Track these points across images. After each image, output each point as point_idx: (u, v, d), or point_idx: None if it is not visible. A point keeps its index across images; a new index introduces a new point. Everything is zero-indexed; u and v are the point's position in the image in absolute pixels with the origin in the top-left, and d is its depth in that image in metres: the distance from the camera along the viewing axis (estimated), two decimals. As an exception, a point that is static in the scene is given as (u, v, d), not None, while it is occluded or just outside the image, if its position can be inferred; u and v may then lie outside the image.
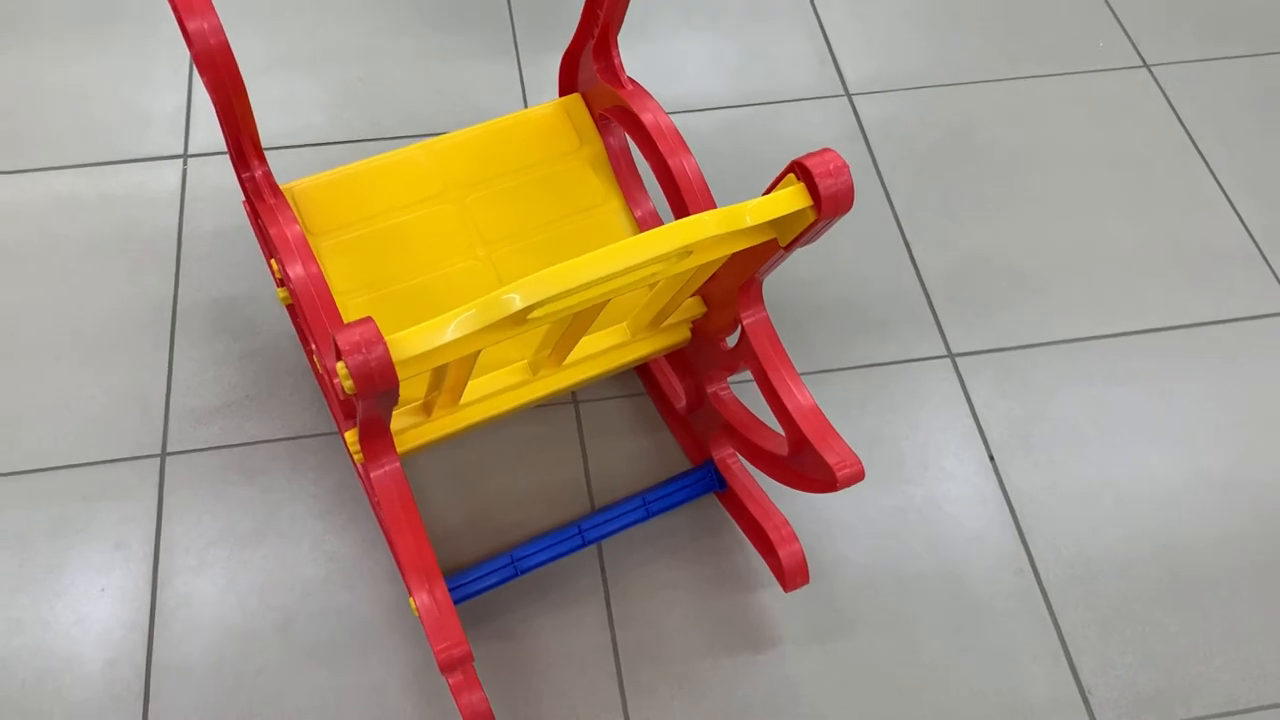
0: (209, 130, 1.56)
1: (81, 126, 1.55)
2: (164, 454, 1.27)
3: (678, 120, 1.16)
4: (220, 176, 1.51)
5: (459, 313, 0.71)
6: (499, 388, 1.03)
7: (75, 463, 1.26)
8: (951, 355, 1.40)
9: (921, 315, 1.43)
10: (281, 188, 1.11)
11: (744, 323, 1.00)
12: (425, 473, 1.27)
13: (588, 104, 1.21)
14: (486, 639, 1.17)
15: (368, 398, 0.71)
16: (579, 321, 0.88)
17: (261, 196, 1.01)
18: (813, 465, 0.97)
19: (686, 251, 0.77)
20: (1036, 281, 1.47)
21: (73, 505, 1.23)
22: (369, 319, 0.69)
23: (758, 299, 1.00)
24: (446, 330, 0.71)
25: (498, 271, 1.14)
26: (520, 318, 0.75)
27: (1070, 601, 1.21)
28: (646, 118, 1.08)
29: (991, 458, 1.31)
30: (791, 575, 1.13)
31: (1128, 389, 1.38)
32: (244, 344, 1.36)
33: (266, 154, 1.08)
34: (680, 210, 1.06)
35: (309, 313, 0.96)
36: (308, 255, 0.99)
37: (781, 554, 1.13)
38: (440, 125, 1.56)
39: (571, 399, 1.34)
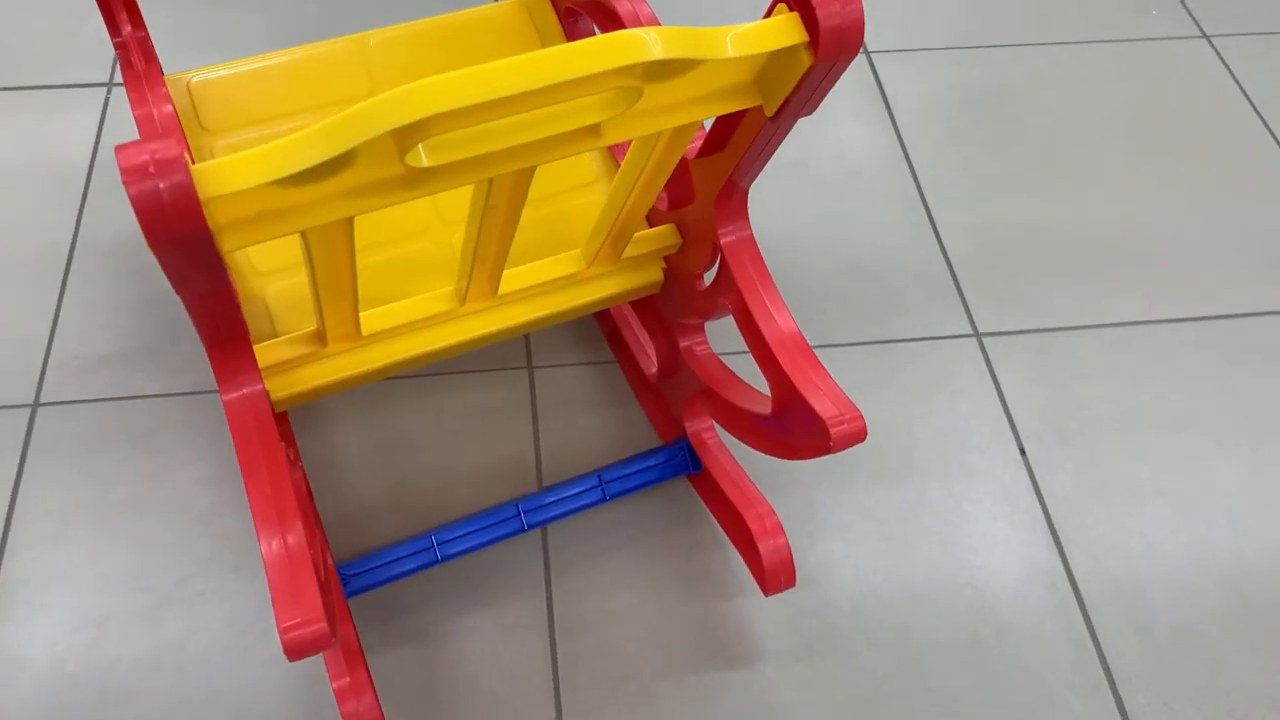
0: (143, 61, 1.37)
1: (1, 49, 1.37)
2: (36, 404, 1.07)
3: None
4: (149, 109, 1.32)
5: (302, 135, 0.51)
6: (415, 317, 0.82)
7: (-74, 409, 1.06)
8: (978, 334, 1.18)
9: (944, 289, 1.22)
10: (172, 77, 0.92)
11: (722, 241, 0.79)
12: (343, 440, 1.07)
13: (554, 3, 1.01)
14: (396, 639, 0.95)
15: (162, 247, 0.50)
16: (499, 205, 0.68)
17: (130, 64, 0.81)
18: (801, 422, 0.76)
19: (637, 87, 0.57)
20: (1079, 259, 1.26)
21: (-83, 458, 1.03)
22: (171, 137, 0.49)
23: (740, 212, 0.79)
24: (284, 158, 0.51)
25: (434, 199, 0.94)
26: (399, 160, 0.54)
27: (1116, 624, 0.99)
28: (622, 6, 0.88)
29: (1023, 451, 1.09)
30: (773, 575, 0.91)
31: (1187, 381, 1.16)
32: (148, 287, 1.16)
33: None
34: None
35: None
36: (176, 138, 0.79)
37: (762, 548, 0.91)
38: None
39: (526, 363, 1.13)
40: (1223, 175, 1.36)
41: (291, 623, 0.63)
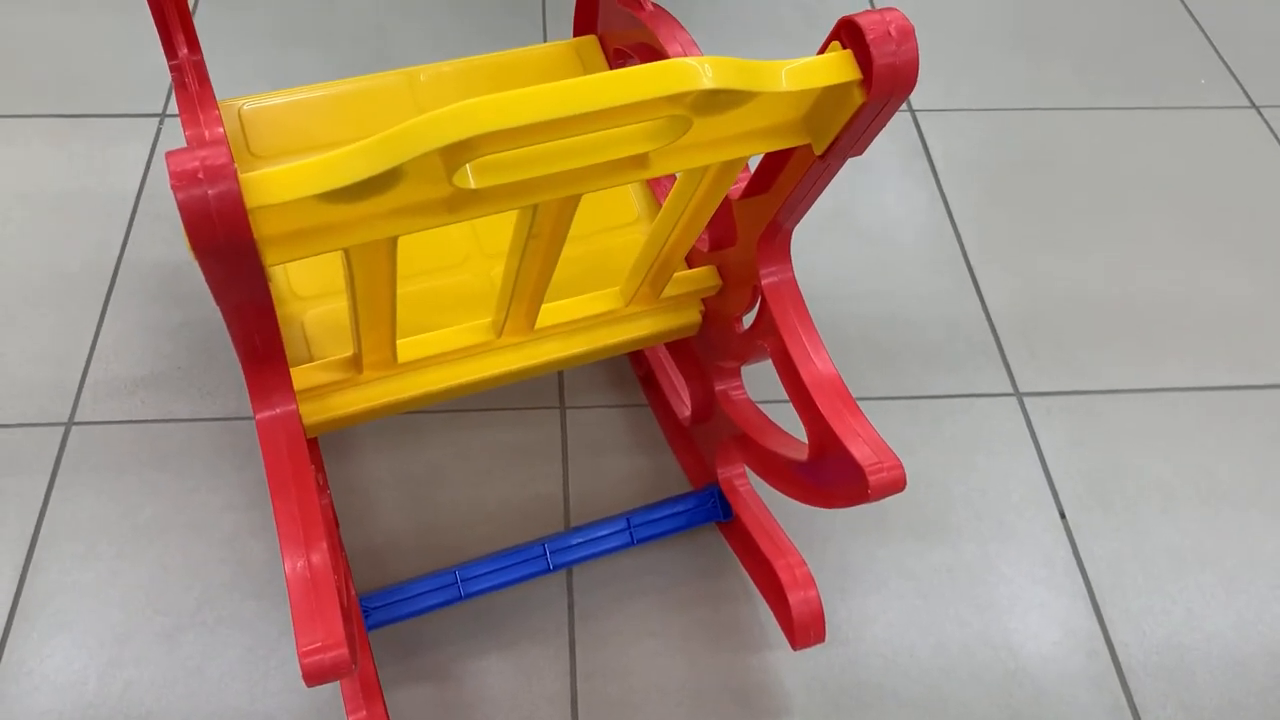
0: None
1: (59, 78, 1.40)
2: (70, 423, 1.07)
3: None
4: (199, 139, 1.34)
5: (351, 150, 0.51)
6: (451, 347, 0.82)
7: (-38, 422, 1.06)
8: (1018, 393, 1.16)
9: (985, 346, 1.20)
10: (225, 103, 0.93)
11: (764, 282, 0.78)
12: (372, 471, 1.06)
13: (603, 46, 1.02)
14: (415, 675, 0.93)
15: (206, 254, 0.50)
16: (542, 234, 0.67)
17: (184, 86, 0.82)
18: (839, 469, 0.74)
19: (687, 118, 0.56)
20: (1123, 323, 1.24)
21: (-51, 471, 1.03)
22: (222, 144, 0.49)
23: (783, 253, 0.78)
24: (333, 172, 0.51)
25: (475, 230, 0.95)
26: (447, 180, 0.54)
27: (1157, 697, 0.95)
28: (673, 49, 0.89)
29: (1062, 514, 1.07)
30: (803, 628, 0.89)
31: (1233, 449, 1.13)
32: (187, 312, 1.17)
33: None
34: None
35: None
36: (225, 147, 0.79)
37: (792, 599, 0.89)
38: (448, 99, 1.38)
39: (558, 403, 1.12)
40: (1271, 244, 1.34)
41: (312, 646, 0.61)
